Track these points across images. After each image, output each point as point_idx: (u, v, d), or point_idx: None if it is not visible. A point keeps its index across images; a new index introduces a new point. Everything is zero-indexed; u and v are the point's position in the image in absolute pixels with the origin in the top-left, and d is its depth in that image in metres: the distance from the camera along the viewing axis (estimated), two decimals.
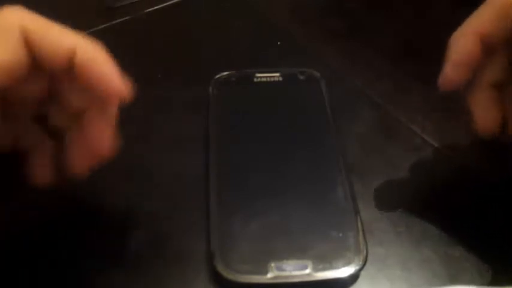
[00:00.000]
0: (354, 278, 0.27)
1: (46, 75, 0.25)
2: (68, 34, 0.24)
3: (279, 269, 0.26)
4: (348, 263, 0.26)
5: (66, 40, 0.24)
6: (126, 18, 0.43)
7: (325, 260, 0.26)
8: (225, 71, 0.36)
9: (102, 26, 0.42)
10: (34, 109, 0.26)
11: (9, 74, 0.22)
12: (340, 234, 0.27)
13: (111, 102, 0.25)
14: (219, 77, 0.36)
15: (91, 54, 0.24)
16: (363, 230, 0.27)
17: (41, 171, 0.27)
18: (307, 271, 0.26)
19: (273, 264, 0.26)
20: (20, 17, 0.23)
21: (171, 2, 0.45)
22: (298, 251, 0.26)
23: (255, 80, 0.36)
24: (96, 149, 0.25)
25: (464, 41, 0.27)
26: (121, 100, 0.25)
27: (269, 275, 0.25)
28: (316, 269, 0.26)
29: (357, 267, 0.26)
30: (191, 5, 0.45)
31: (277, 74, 0.36)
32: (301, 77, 0.36)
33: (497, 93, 0.28)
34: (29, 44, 0.23)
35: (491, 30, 0.26)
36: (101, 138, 0.25)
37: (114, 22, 0.43)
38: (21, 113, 0.26)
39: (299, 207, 0.28)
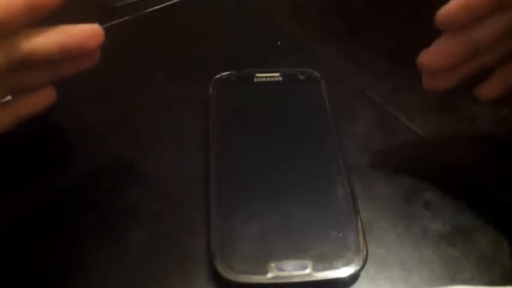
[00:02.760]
0: (354, 278, 0.27)
1: None
2: None
3: (279, 269, 0.26)
4: (348, 263, 0.26)
5: None
6: (126, 18, 0.43)
7: (325, 260, 0.26)
8: (225, 71, 0.36)
9: (102, 26, 0.42)
10: None
11: None
12: (340, 234, 0.27)
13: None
14: (219, 77, 0.36)
15: None
16: (363, 230, 0.27)
17: None
18: (307, 271, 0.26)
19: (273, 264, 0.26)
20: None
21: (171, 2, 0.45)
22: (298, 251, 0.26)
23: (255, 80, 0.36)
24: None
25: None
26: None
27: (269, 275, 0.25)
28: (316, 269, 0.26)
29: (357, 267, 0.26)
30: (191, 5, 0.45)
31: (277, 74, 0.36)
32: (301, 77, 0.36)
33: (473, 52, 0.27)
34: None
35: None
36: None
37: (114, 22, 0.43)
38: None
39: (299, 207, 0.28)
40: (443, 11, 0.27)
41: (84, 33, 0.28)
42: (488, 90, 0.30)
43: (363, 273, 0.27)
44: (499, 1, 0.26)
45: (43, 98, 0.30)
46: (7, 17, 0.25)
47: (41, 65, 0.28)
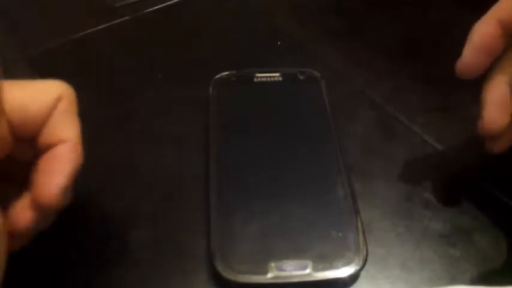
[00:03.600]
0: (354, 278, 0.27)
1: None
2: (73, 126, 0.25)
3: (279, 269, 0.26)
4: (348, 263, 0.26)
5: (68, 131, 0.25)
6: (126, 18, 0.43)
7: (325, 260, 0.26)
8: (225, 71, 0.36)
9: (102, 26, 0.42)
10: None
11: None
12: (340, 234, 0.27)
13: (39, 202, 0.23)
14: (219, 77, 0.36)
15: (67, 156, 0.24)
16: (363, 230, 0.27)
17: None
18: (307, 271, 0.26)
19: (273, 264, 0.26)
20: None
21: (171, 2, 0.45)
22: (298, 251, 0.26)
23: (255, 80, 0.36)
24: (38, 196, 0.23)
25: (483, 26, 0.27)
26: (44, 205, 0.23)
27: (269, 275, 0.25)
28: (316, 269, 0.26)
29: (357, 267, 0.26)
30: (191, 5, 0.45)
31: (277, 74, 0.36)
32: (301, 77, 0.36)
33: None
34: None
35: (510, 17, 0.26)
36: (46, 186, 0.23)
37: (114, 22, 0.43)
38: None
39: (299, 207, 0.28)
40: (460, 65, 0.28)
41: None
42: None
43: (363, 273, 0.27)
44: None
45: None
46: None
47: None
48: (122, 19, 0.43)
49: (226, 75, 0.36)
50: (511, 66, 0.28)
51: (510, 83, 0.27)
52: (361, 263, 0.26)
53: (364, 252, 0.26)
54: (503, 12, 0.27)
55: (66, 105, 0.24)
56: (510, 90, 0.27)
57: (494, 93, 0.27)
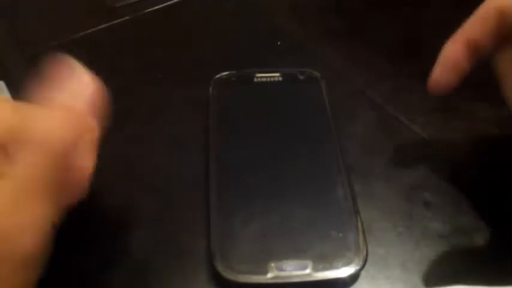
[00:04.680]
0: (354, 278, 0.27)
1: None
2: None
3: (279, 269, 0.26)
4: (348, 263, 0.26)
5: None
6: (126, 18, 0.43)
7: (325, 260, 0.26)
8: (225, 71, 0.36)
9: (102, 26, 0.42)
10: None
11: None
12: (340, 234, 0.27)
13: None
14: (219, 77, 0.36)
15: None
16: (363, 230, 0.27)
17: None
18: (307, 271, 0.26)
19: (273, 264, 0.26)
20: None
21: (171, 2, 0.45)
22: (298, 251, 0.26)
23: (255, 80, 0.36)
24: None
25: (451, 46, 0.29)
26: None
27: (269, 275, 0.25)
28: (316, 269, 0.26)
29: (357, 267, 0.26)
30: (191, 5, 0.45)
31: (277, 74, 0.36)
32: (301, 77, 0.36)
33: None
34: None
35: (476, 36, 0.28)
36: None
37: (114, 22, 0.43)
38: None
39: (299, 207, 0.28)
40: (430, 83, 0.29)
41: None
42: None
43: (363, 273, 0.27)
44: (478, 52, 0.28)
45: None
46: None
47: None
48: (122, 19, 0.43)
49: (226, 75, 0.36)
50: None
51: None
52: (361, 263, 0.26)
53: (364, 252, 0.26)
54: (470, 31, 0.28)
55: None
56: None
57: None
